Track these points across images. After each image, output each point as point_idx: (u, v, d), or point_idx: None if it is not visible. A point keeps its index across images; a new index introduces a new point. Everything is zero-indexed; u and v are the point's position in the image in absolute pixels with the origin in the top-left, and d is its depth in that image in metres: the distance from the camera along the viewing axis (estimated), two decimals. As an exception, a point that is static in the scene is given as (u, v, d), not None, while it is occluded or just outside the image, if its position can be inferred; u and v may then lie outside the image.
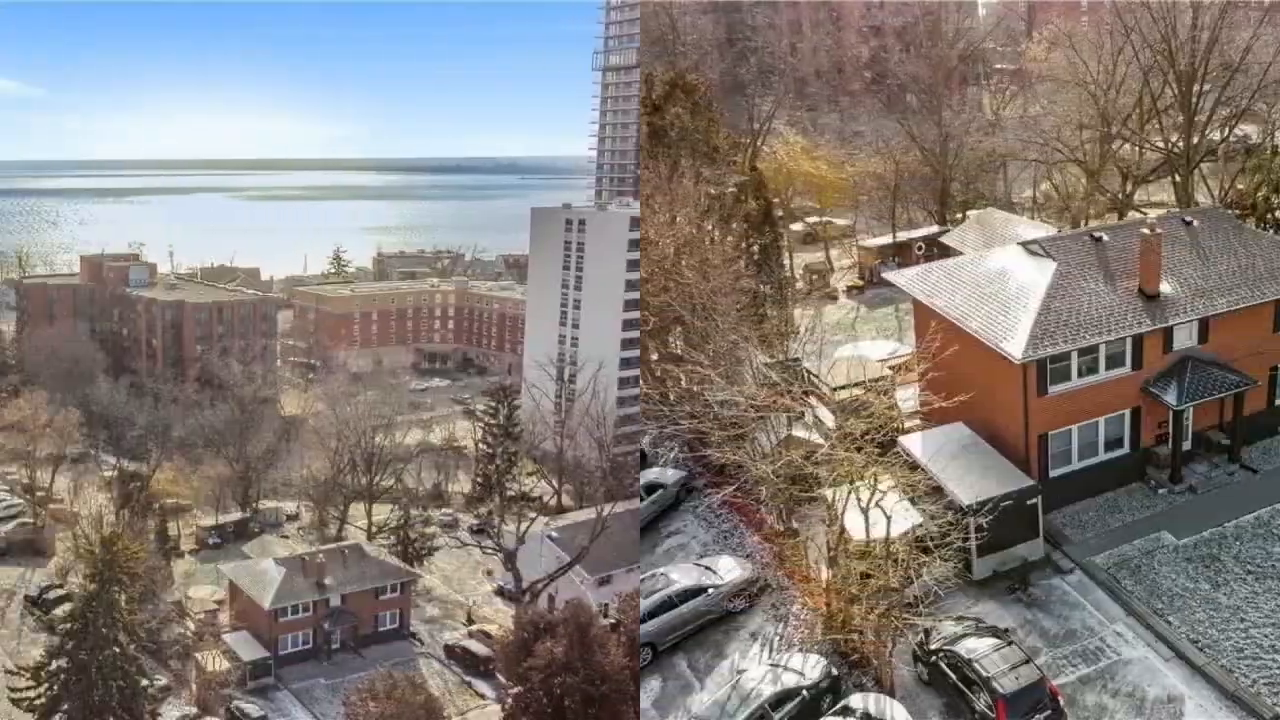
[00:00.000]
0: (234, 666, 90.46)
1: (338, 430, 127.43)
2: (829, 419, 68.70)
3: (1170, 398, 67.30)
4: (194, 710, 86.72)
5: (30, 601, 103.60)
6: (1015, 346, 64.22)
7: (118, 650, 76.81)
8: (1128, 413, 69.20)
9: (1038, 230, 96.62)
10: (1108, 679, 53.67)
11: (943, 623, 56.32)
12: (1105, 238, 73.01)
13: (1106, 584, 60.63)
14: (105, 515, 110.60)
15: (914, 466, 64.09)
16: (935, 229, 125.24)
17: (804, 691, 54.14)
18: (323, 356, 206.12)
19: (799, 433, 70.06)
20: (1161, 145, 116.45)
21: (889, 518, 55.07)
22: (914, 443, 68.88)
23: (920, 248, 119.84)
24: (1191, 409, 69.60)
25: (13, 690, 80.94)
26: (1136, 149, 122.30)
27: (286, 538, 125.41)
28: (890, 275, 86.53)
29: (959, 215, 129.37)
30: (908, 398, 78.40)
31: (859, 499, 55.64)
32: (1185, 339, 69.37)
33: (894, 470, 58.99)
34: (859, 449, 58.10)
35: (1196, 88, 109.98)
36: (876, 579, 54.42)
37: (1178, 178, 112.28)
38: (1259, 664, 53.20)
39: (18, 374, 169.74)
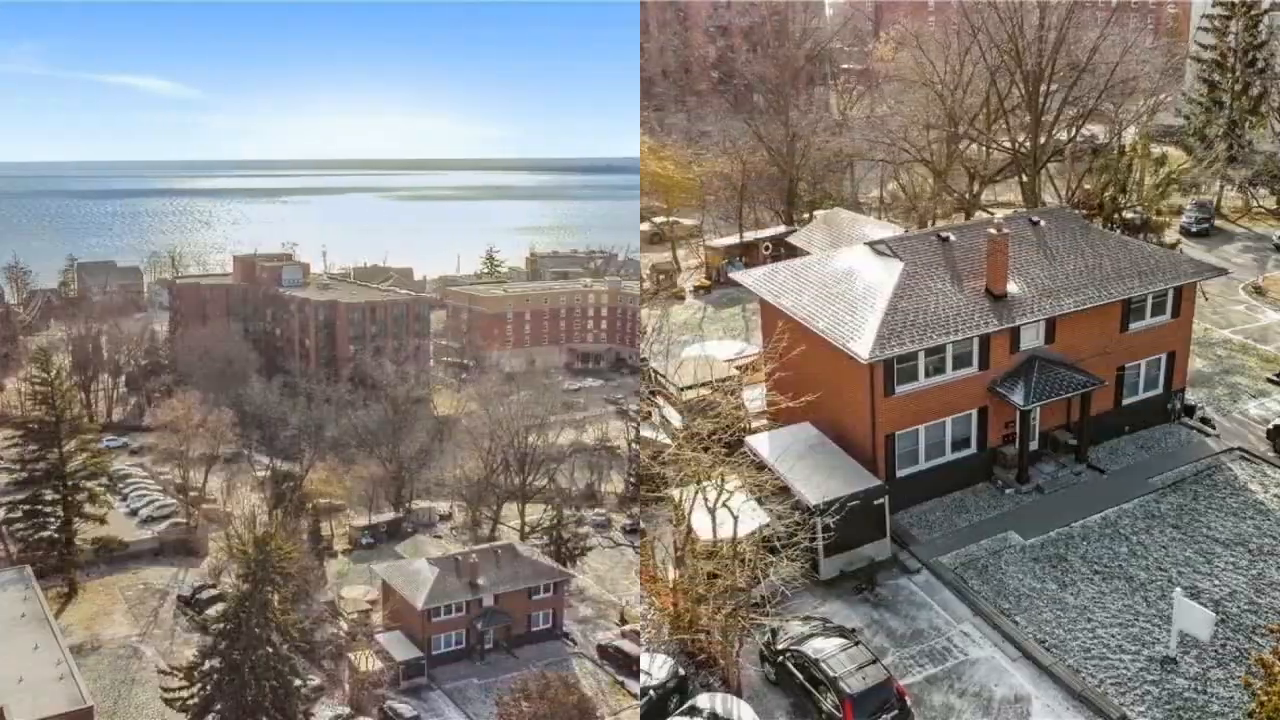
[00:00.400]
0: (387, 666, 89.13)
1: (491, 430, 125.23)
2: (676, 419, 67.63)
3: (1017, 398, 67.16)
4: (347, 710, 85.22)
5: (183, 601, 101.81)
6: (862, 347, 63.57)
7: (271, 650, 75.42)
8: (975, 413, 69.01)
9: (885, 230, 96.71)
10: (955, 679, 53.00)
11: (790, 623, 55.35)
12: (952, 238, 72.90)
13: (953, 584, 60.11)
14: (258, 515, 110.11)
15: (761, 466, 63.37)
16: (782, 229, 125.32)
17: (651, 691, 52.95)
18: (476, 356, 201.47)
19: (646, 433, 68.92)
20: (1008, 145, 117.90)
21: (736, 518, 54.05)
22: (761, 443, 67.99)
23: (767, 248, 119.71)
24: (1039, 409, 69.64)
25: (165, 690, 79.46)
26: (983, 149, 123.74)
27: (439, 538, 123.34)
28: (737, 275, 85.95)
29: (806, 215, 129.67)
30: (755, 398, 77.82)
31: (706, 499, 54.58)
32: (1032, 339, 69.40)
33: (741, 470, 58.09)
34: (706, 449, 56.98)
35: (1043, 88, 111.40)
36: (724, 579, 53.28)
37: (1025, 177, 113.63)
38: (1105, 663, 52.87)
39: (171, 374, 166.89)
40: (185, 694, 77.20)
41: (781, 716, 52.58)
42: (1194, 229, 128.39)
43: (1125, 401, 74.63)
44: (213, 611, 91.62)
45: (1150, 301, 73.37)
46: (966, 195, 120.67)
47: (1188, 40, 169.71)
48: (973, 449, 69.64)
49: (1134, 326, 73.23)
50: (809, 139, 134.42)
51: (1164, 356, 75.50)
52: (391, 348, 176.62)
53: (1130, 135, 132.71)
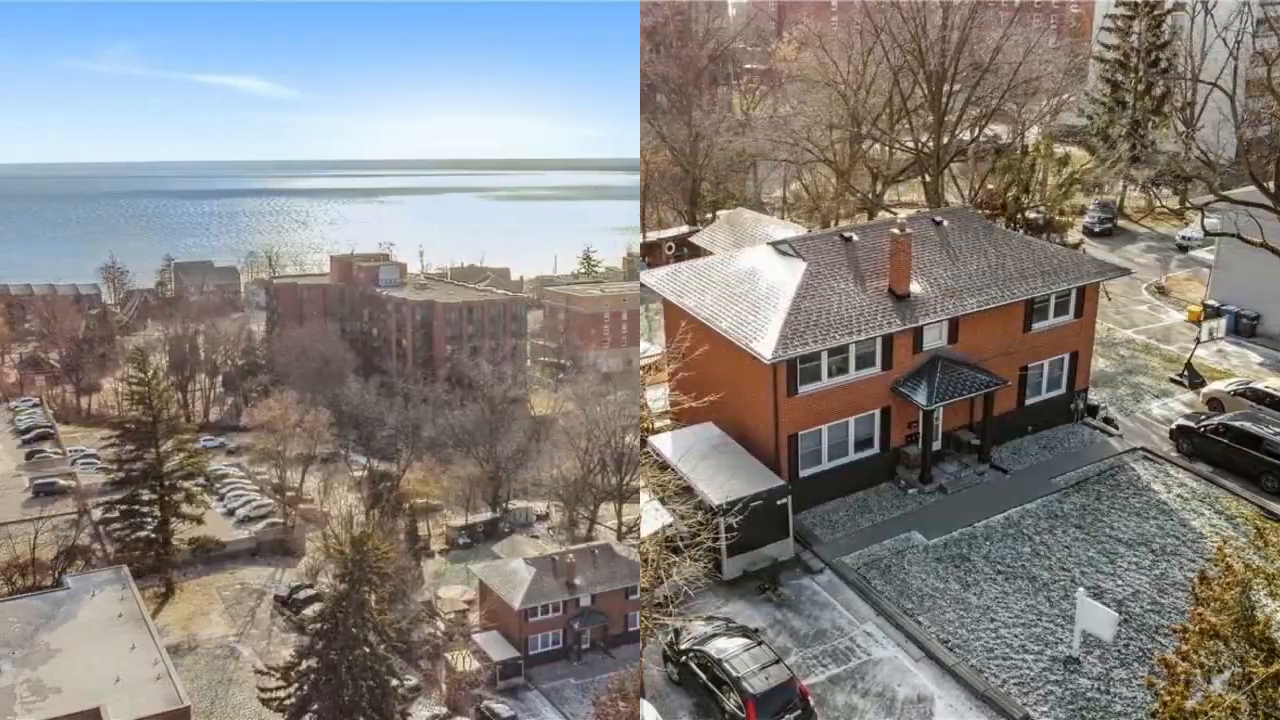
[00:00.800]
0: (484, 666, 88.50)
1: (587, 430, 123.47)
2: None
3: (920, 398, 66.83)
4: (444, 710, 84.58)
5: (280, 601, 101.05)
6: (765, 347, 62.94)
7: (368, 650, 74.73)
8: (878, 412, 68.62)
9: (788, 230, 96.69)
10: (858, 679, 52.32)
11: (693, 623, 54.55)
12: (855, 238, 72.59)
13: (856, 584, 59.53)
14: (355, 515, 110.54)
15: (664, 466, 62.73)
16: (685, 229, 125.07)
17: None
18: (572, 356, 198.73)
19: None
20: (911, 145, 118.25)
21: (639, 518, 53.11)
22: (664, 443, 67.21)
23: (670, 247, 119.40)
24: (942, 409, 69.51)
25: (262, 690, 78.74)
26: (886, 149, 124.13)
27: (536, 538, 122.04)
28: (640, 275, 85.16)
29: (709, 215, 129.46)
30: (658, 397, 77.18)
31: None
32: (935, 339, 69.15)
33: (644, 470, 57.24)
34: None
35: (946, 88, 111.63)
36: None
37: (928, 177, 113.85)
38: (1009, 664, 52.46)
39: (268, 374, 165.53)
40: (282, 694, 77.01)
41: (684, 716, 51.66)
42: (1097, 229, 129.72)
43: (1028, 401, 74.69)
44: (309, 611, 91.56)
45: (1053, 301, 73.44)
46: (869, 195, 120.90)
47: (1091, 40, 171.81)
48: (876, 449, 69.24)
49: (1037, 326, 73.24)
50: (712, 139, 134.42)
51: (1067, 356, 75.61)
52: (488, 348, 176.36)
53: (1033, 135, 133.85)
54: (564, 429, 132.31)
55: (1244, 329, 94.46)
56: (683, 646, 53.25)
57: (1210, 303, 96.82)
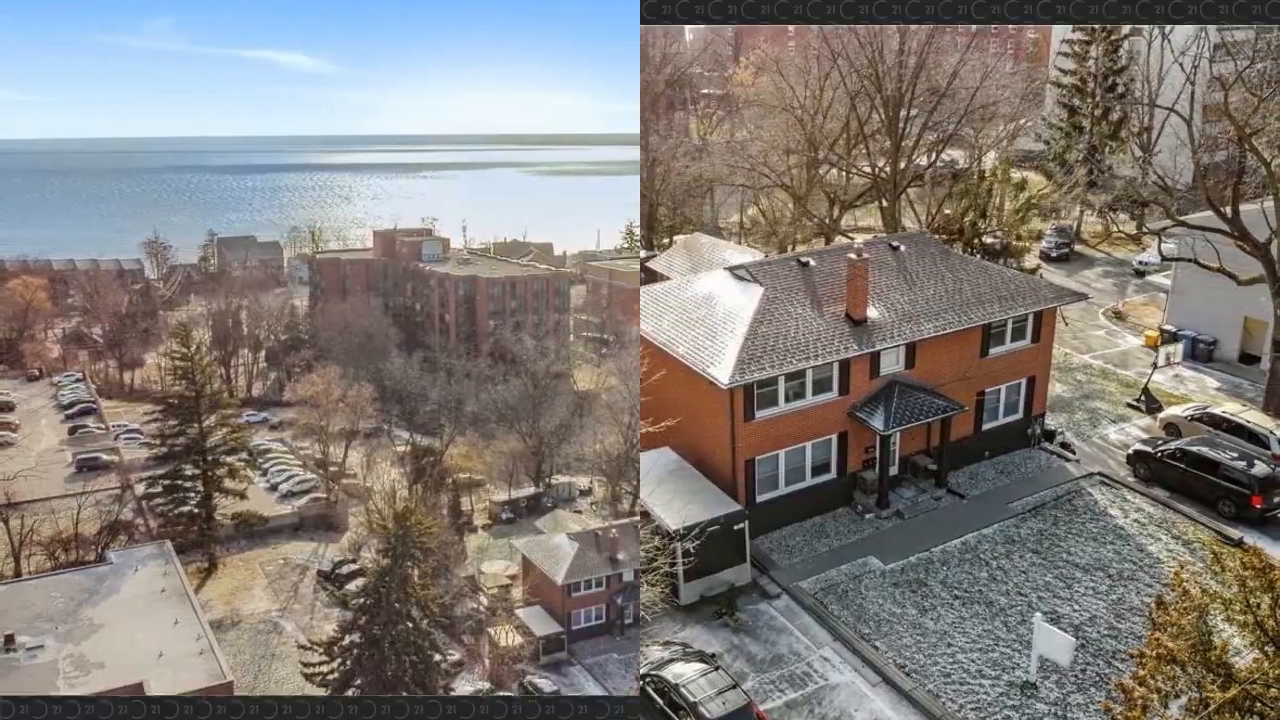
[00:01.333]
0: (527, 641, 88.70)
1: (630, 405, 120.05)
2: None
3: (877, 423, 66.68)
4: (487, 685, 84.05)
5: (323, 576, 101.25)
6: (722, 372, 62.76)
7: (410, 625, 74.61)
8: (835, 438, 68.42)
9: (745, 255, 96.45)
10: (815, 704, 51.96)
11: (650, 648, 54.28)
12: (812, 263, 72.54)
13: (813, 609, 59.22)
14: (398, 490, 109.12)
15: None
16: (643, 253, 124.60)
17: None
18: (615, 331, 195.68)
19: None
20: (869, 170, 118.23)
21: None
22: (621, 466, 66.93)
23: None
24: (899, 434, 69.42)
25: (305, 665, 78.32)
26: (844, 174, 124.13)
27: (579, 513, 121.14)
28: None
29: (666, 240, 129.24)
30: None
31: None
32: (893, 364, 69.07)
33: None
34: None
35: (904, 112, 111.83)
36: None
37: (885, 202, 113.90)
38: (965, 688, 52.23)
39: (311, 349, 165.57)
40: (325, 669, 76.93)
41: (638, 744, 51.32)
42: (1054, 254, 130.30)
43: (985, 426, 74.66)
44: (353, 586, 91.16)
45: (1010, 326, 73.53)
46: (827, 220, 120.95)
47: (1048, 65, 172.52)
48: (833, 474, 69.01)
49: (994, 351, 73.27)
50: (669, 164, 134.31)
51: (1024, 381, 75.66)
52: (531, 323, 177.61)
53: (990, 160, 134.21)
54: (607, 404, 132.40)
55: (1201, 354, 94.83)
56: (640, 672, 52.87)
57: (1167, 328, 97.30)
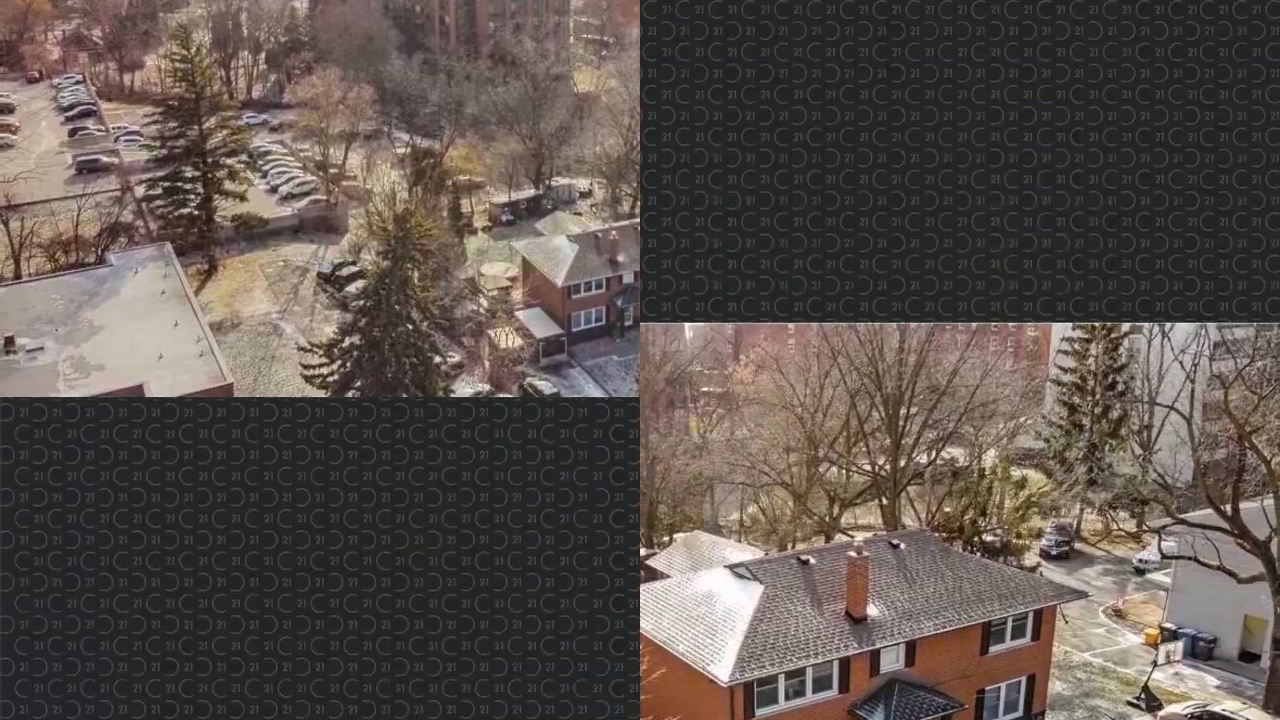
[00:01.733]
0: (527, 343, 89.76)
1: (630, 107, 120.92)
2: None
3: (877, 721, 67.30)
4: (487, 387, 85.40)
5: (323, 278, 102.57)
6: (722, 670, 62.80)
7: (411, 327, 76.01)
8: (835, 734, 69.31)
9: (745, 553, 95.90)
10: None
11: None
12: (812, 561, 72.44)
13: None
14: (398, 192, 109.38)
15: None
16: (642, 553, 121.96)
17: None
18: (616, 33, 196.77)
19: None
20: (869, 468, 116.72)
21: None
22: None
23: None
24: (898, 734, 69.47)
25: (305, 367, 79.86)
26: (844, 471, 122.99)
27: (579, 214, 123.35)
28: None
29: (666, 538, 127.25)
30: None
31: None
32: (892, 662, 68.93)
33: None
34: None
35: (904, 410, 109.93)
36: None
37: (885, 500, 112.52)
38: None
39: (310, 51, 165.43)
40: (325, 370, 78.97)
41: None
42: (1054, 552, 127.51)
43: (985, 723, 75.41)
44: (353, 288, 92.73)
45: (1010, 624, 73.14)
46: (826, 518, 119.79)
47: (1048, 363, 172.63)
48: (833, 771, 69.80)
49: (994, 649, 72.72)
50: (669, 462, 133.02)
51: (1024, 679, 75.62)
52: (531, 25, 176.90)
53: (990, 458, 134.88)
54: (607, 106, 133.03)
55: (1201, 652, 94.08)
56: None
57: (1167, 625, 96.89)
